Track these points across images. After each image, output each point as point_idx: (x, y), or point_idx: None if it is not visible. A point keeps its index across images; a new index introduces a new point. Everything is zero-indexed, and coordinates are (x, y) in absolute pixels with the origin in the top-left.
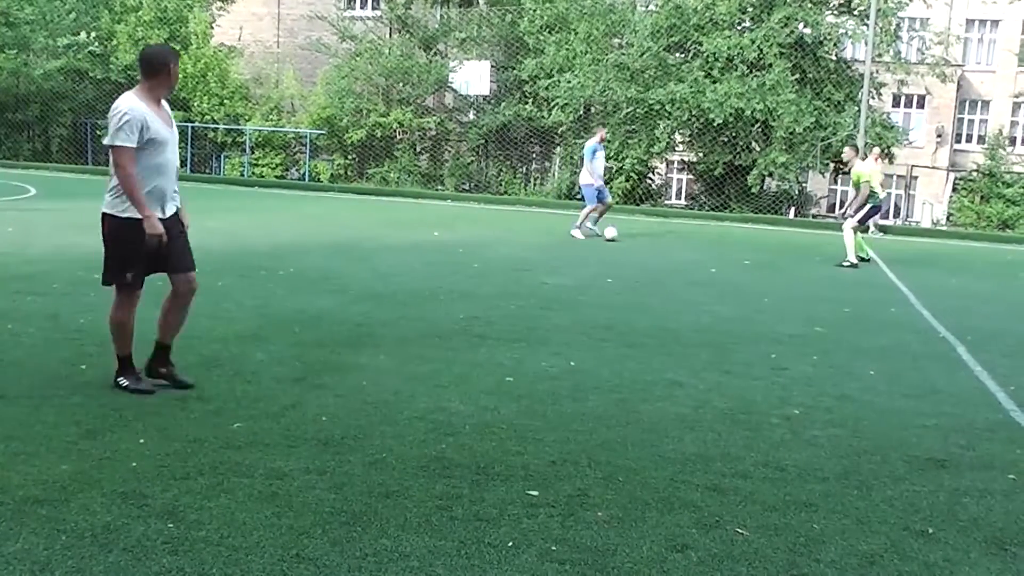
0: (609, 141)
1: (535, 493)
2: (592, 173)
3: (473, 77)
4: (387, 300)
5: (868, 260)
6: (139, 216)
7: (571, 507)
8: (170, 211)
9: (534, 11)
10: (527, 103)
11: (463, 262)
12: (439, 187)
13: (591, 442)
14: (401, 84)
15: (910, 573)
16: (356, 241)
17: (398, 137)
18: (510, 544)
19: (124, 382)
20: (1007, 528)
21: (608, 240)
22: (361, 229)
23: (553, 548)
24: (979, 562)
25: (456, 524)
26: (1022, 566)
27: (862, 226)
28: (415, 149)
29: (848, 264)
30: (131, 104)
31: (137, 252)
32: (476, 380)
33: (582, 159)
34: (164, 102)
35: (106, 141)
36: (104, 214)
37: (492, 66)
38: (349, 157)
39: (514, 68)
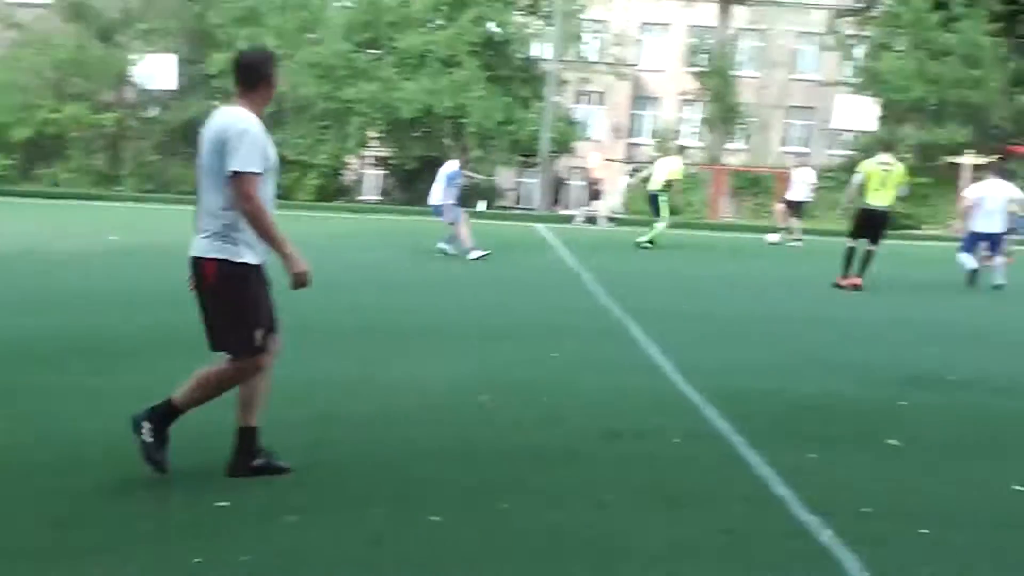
0: None
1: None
2: None
3: (157, 71)
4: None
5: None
6: (256, 262)
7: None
8: None
9: (224, 3)
10: (217, 98)
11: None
12: (117, 188)
13: None
14: (75, 78)
15: (591, 540)
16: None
17: (72, 135)
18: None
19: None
20: (677, 488)
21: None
22: (28, 236)
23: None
24: (655, 521)
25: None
26: (695, 519)
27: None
28: (90, 148)
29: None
30: (252, 120)
31: (263, 305)
32: None
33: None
34: None
35: (232, 166)
36: (204, 260)
37: (179, 59)
38: (13, 157)
39: (203, 62)
